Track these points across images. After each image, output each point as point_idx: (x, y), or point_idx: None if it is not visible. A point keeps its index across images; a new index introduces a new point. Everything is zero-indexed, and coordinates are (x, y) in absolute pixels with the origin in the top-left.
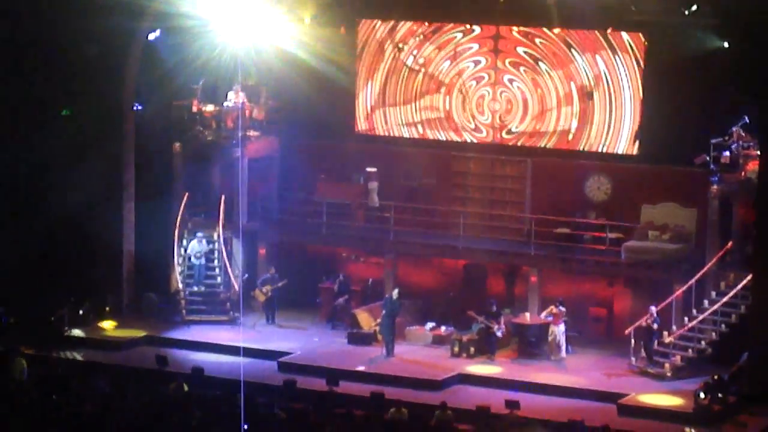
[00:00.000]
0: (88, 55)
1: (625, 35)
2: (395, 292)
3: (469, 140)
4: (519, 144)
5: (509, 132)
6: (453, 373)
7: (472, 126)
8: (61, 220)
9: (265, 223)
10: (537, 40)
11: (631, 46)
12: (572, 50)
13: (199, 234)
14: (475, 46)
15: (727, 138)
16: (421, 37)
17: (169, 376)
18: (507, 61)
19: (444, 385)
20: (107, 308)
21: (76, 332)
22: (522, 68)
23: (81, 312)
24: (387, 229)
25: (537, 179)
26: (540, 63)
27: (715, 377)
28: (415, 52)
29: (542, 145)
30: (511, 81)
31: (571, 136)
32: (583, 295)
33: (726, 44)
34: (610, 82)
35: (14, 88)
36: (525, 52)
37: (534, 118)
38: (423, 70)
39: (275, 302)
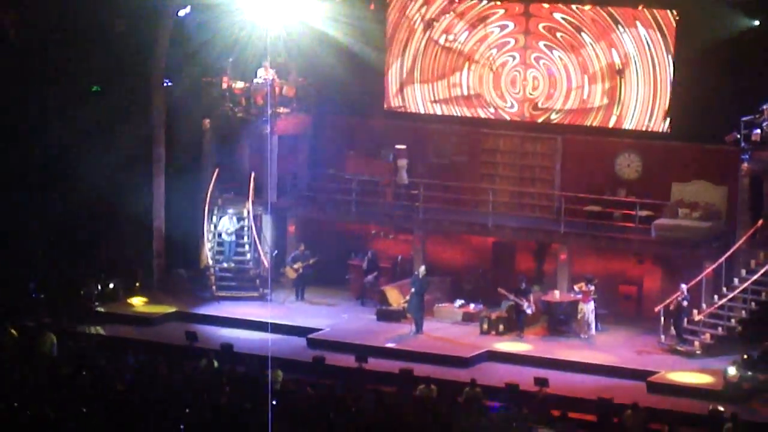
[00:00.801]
0: (118, 32)
1: (656, 12)
2: (422, 270)
3: (499, 117)
4: (549, 121)
5: (538, 110)
6: (482, 351)
7: (502, 103)
8: (92, 196)
9: (294, 199)
10: (569, 16)
11: (661, 23)
12: (604, 26)
13: (230, 211)
14: (509, 25)
15: (757, 116)
16: (452, 13)
17: (198, 352)
18: (538, 36)
19: (473, 363)
20: (137, 284)
21: (106, 308)
22: (553, 44)
23: (111, 287)
24: (416, 207)
25: (567, 156)
26: (572, 39)
27: (745, 357)
28: (445, 27)
29: (573, 123)
30: (541, 58)
31: (602, 114)
32: (612, 273)
33: (757, 22)
34: (641, 60)
35: (44, 65)
36: (557, 28)
37: (564, 95)
38: (453, 46)
39: (305, 279)
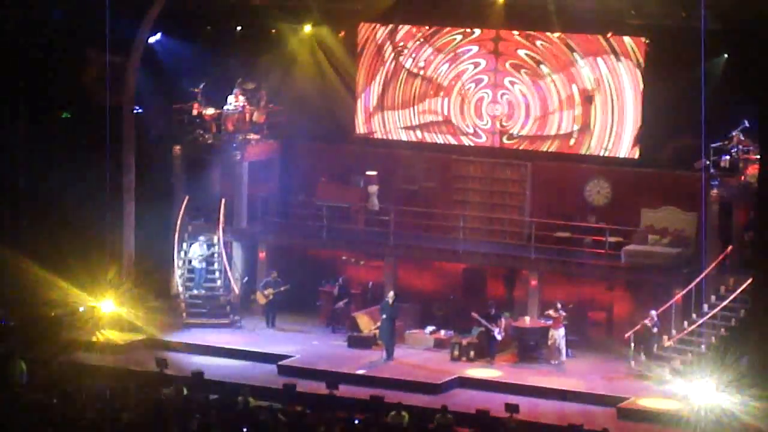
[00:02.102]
0: (88, 58)
1: (625, 39)
2: (390, 296)
3: (469, 143)
4: (519, 148)
5: (510, 137)
6: (453, 377)
7: (472, 130)
8: (62, 223)
9: (265, 226)
10: (537, 43)
11: (631, 50)
12: (573, 54)
13: (201, 238)
14: (475, 48)
15: (726, 142)
16: (421, 40)
17: (168, 379)
18: (507, 63)
19: (444, 389)
20: (107, 310)
21: (76, 335)
22: (522, 71)
23: (81, 315)
24: (387, 233)
25: (537, 183)
26: (540, 66)
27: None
28: (414, 55)
29: (543, 149)
30: (512, 83)
31: (572, 141)
32: (582, 299)
33: (726, 55)
34: (610, 86)
35: (15, 90)
36: (526, 54)
37: (535, 122)
38: (423, 73)
39: (276, 305)
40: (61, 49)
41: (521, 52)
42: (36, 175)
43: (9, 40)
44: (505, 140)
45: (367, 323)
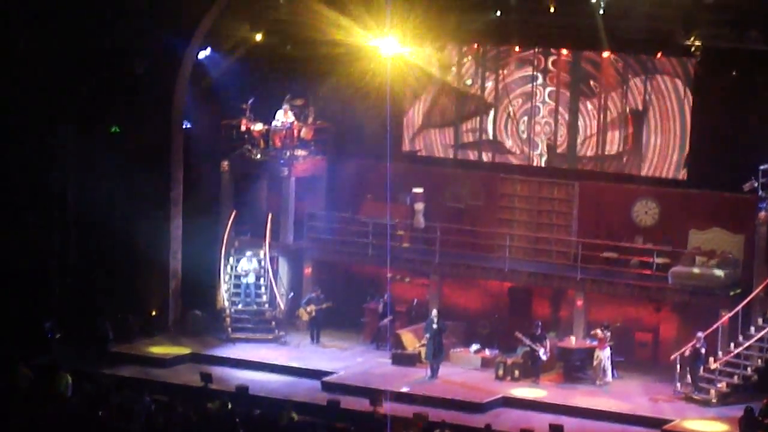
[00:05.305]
0: (137, 73)
1: (675, 60)
2: (434, 314)
3: (516, 162)
4: (567, 167)
5: (557, 156)
6: (497, 396)
7: (519, 149)
8: (110, 236)
9: (311, 242)
10: (587, 62)
11: (681, 70)
12: (623, 73)
13: (249, 253)
14: (524, 67)
15: None
16: (469, 58)
17: (213, 393)
18: (556, 82)
19: (488, 408)
20: (153, 324)
21: (122, 348)
22: (571, 90)
23: (127, 328)
24: (433, 251)
25: (584, 203)
26: (590, 85)
27: (747, 408)
28: (462, 73)
29: (591, 169)
30: (560, 102)
31: (621, 161)
32: (629, 320)
33: None
34: (660, 107)
35: (64, 104)
36: (576, 73)
37: (583, 141)
38: (470, 91)
39: (320, 322)
40: (111, 64)
41: (571, 71)
42: (85, 189)
43: (58, 54)
44: (552, 159)
45: (411, 341)
